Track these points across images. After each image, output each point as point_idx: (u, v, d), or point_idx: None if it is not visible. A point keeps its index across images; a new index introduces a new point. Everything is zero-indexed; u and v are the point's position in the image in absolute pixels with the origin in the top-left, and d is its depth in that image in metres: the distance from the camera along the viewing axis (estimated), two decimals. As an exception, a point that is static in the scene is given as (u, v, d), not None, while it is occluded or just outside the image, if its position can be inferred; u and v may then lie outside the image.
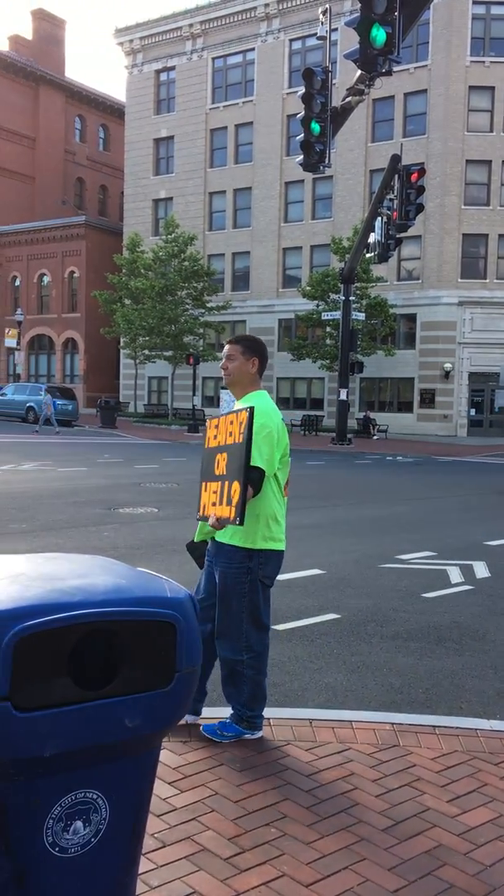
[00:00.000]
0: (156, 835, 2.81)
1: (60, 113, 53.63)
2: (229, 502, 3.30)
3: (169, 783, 3.21)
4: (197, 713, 3.84)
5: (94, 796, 1.94)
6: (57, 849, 1.90)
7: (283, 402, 41.66)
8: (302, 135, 15.79)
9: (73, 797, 1.91)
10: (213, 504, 3.46)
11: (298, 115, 16.20)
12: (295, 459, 16.39)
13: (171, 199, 44.71)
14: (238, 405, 3.70)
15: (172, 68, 44.53)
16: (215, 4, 42.13)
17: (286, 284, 41.33)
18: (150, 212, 45.68)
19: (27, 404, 35.01)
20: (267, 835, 2.90)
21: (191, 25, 43.09)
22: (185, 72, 43.90)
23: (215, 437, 3.55)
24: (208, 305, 38.08)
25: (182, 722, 3.62)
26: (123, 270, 39.20)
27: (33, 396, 35.15)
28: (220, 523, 3.39)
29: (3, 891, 1.88)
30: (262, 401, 3.71)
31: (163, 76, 45.22)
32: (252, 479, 3.39)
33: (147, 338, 37.90)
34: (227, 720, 3.75)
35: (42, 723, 1.80)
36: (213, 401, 41.55)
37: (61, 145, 53.70)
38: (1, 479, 14.69)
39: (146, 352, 38.87)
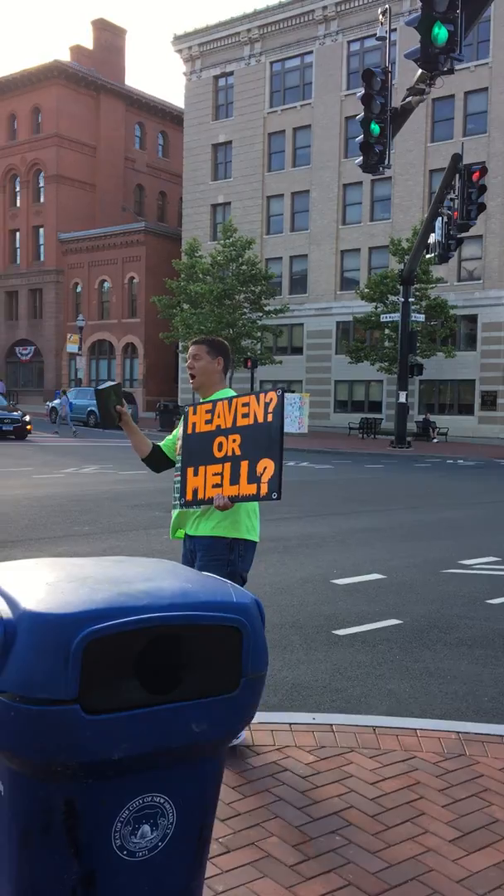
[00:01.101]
0: (220, 839, 2.81)
1: (120, 121, 54.35)
2: (254, 480, 3.24)
3: (232, 787, 3.20)
4: None
5: (162, 800, 1.94)
6: (125, 852, 1.90)
7: (340, 406, 41.46)
8: (361, 136, 15.69)
9: (141, 801, 1.91)
10: (216, 486, 3.38)
11: (357, 117, 16.09)
12: (353, 463, 16.25)
13: (228, 203, 44.91)
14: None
15: (230, 73, 44.74)
16: (273, 8, 42.20)
17: (344, 287, 41.13)
18: (209, 217, 45.95)
19: (88, 409, 35.57)
20: (332, 843, 2.87)
21: (249, 30, 43.23)
22: (243, 77, 44.07)
23: (208, 421, 3.49)
24: (266, 309, 38.10)
25: None
26: (182, 275, 39.50)
27: (93, 401, 35.66)
28: (234, 501, 3.34)
29: (72, 893, 1.90)
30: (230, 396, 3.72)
31: (221, 82, 45.46)
32: None
33: (205, 342, 38.09)
34: None
35: (110, 726, 1.81)
36: (270, 404, 41.50)
37: (121, 153, 54.40)
38: (64, 482, 14.93)
39: (204, 355, 39.06)
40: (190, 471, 3.54)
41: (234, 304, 37.45)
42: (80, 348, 45.02)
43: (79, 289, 51.05)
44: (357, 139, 16.25)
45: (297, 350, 42.71)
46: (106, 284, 49.72)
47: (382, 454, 26.26)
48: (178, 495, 3.65)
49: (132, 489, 14.14)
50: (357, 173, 32.80)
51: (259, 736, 3.68)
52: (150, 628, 1.88)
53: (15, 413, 26.82)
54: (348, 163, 39.00)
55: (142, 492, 13.77)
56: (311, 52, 41.63)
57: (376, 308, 34.53)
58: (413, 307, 29.85)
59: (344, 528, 10.70)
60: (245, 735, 3.65)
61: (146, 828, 1.93)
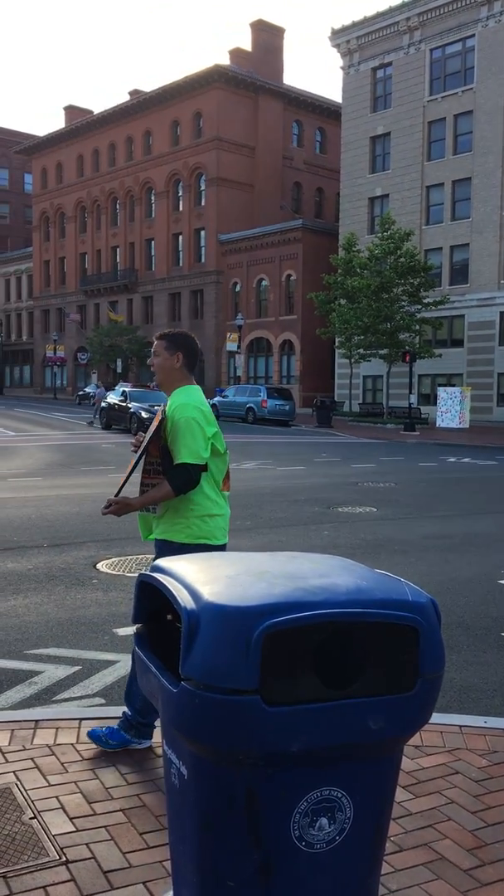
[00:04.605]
0: (392, 838, 2.79)
1: (278, 120, 54.86)
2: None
3: (403, 787, 3.17)
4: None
5: (339, 795, 1.96)
6: (303, 843, 1.93)
7: (504, 399, 39.99)
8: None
9: (319, 794, 1.94)
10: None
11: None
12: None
13: (386, 195, 44.32)
14: (167, 402, 3.65)
15: (389, 64, 44.09)
16: (433, -6, 41.20)
17: (508, 276, 39.57)
18: (366, 210, 45.55)
19: (247, 405, 36.23)
20: (508, 851, 2.78)
21: (408, 19, 42.42)
22: (402, 66, 43.31)
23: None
24: (425, 301, 37.33)
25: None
26: (339, 270, 39.39)
27: (252, 398, 36.33)
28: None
29: (252, 880, 1.95)
30: (186, 395, 3.57)
31: (379, 73, 44.90)
32: (175, 476, 3.40)
33: (362, 337, 37.83)
34: (115, 727, 3.58)
35: (290, 718, 1.84)
36: (429, 398, 40.69)
37: (279, 152, 54.91)
38: (225, 477, 15.26)
39: (361, 350, 38.81)
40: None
41: (391, 297, 36.92)
42: (239, 346, 45.91)
43: (237, 288, 52.04)
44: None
45: (458, 342, 41.53)
46: (264, 283, 50.40)
47: (550, 450, 25.06)
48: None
49: (291, 485, 14.27)
50: (522, 157, 31.44)
51: (428, 737, 3.62)
52: (326, 624, 1.90)
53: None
54: (513, 147, 37.49)
55: (301, 487, 13.87)
56: (472, 35, 40.30)
57: (543, 297, 33.00)
58: None
59: (510, 526, 10.32)
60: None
61: (324, 821, 1.95)
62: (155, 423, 3.49)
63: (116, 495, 3.53)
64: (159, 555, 3.58)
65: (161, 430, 3.48)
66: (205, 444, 3.45)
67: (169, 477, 3.41)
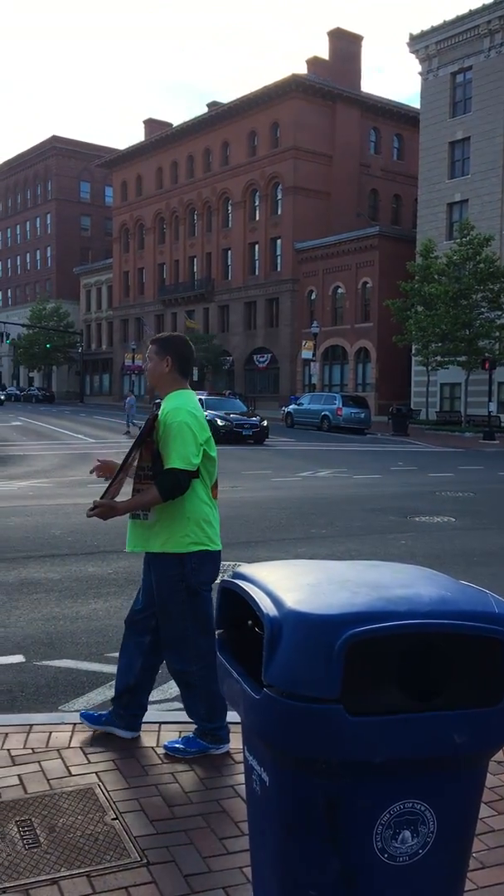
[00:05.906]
0: (474, 854, 2.74)
1: (356, 127, 54.68)
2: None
3: (486, 803, 3.11)
4: (135, 728, 3.70)
5: (422, 808, 1.94)
6: (386, 855, 1.92)
7: None
8: None
9: (402, 806, 1.92)
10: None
11: None
12: None
13: (465, 201, 43.64)
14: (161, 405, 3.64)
15: (469, 68, 43.45)
16: (514, -4, 40.44)
17: None
18: (444, 216, 44.94)
19: (322, 413, 36.14)
20: None
21: (489, 22, 41.73)
22: (482, 70, 42.62)
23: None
24: (505, 308, 36.57)
25: (131, 735, 3.68)
26: (416, 277, 38.95)
27: (327, 406, 36.22)
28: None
29: (333, 891, 1.94)
30: (179, 400, 3.53)
31: (458, 78, 44.29)
32: (163, 480, 3.37)
33: (440, 344, 37.30)
34: (191, 735, 3.59)
35: (372, 728, 1.83)
36: (510, 407, 39.79)
37: (356, 159, 54.71)
38: (301, 485, 15.28)
39: (439, 358, 38.27)
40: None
41: (470, 303, 36.31)
42: (314, 354, 45.83)
43: (313, 296, 52.01)
44: None
45: (540, 350, 40.51)
46: (339, 290, 50.22)
47: None
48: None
49: (367, 493, 14.16)
50: None
51: None
52: (409, 635, 1.88)
53: (254, 418, 27.85)
54: None
55: (377, 496, 13.75)
56: None
57: None
58: None
59: None
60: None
61: (407, 833, 1.93)
62: (146, 427, 3.50)
63: (103, 497, 3.52)
64: (161, 569, 3.54)
65: (153, 434, 3.48)
66: (196, 449, 3.43)
67: (157, 481, 3.41)
